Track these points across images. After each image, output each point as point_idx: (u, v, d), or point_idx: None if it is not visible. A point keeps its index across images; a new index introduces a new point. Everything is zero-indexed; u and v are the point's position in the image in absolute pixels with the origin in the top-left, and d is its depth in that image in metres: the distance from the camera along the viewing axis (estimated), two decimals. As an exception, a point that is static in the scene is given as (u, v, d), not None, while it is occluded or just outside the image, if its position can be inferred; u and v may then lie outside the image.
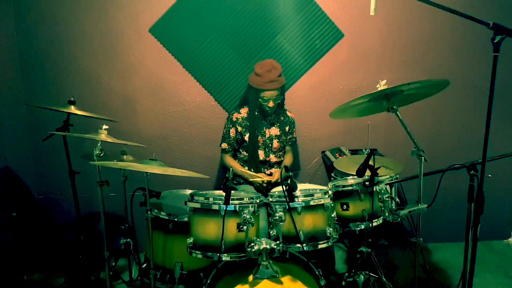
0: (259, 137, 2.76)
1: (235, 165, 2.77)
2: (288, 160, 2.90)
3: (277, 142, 2.79)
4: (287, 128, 2.83)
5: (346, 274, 2.37)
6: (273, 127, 2.79)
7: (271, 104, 2.64)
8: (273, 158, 2.81)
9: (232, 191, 1.70)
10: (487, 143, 1.60)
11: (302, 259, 2.01)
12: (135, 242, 2.53)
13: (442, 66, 3.14)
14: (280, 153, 2.86)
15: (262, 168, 2.79)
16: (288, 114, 2.86)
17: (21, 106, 2.95)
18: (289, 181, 1.72)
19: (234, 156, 2.87)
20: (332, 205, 1.95)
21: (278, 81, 2.59)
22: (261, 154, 2.78)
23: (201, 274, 2.11)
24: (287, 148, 2.90)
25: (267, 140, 2.77)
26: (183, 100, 3.08)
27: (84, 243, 2.58)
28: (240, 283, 1.75)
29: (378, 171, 1.87)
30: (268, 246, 1.69)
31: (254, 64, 3.02)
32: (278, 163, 2.86)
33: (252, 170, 2.74)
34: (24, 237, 2.94)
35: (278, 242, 1.74)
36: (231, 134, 2.79)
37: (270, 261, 1.72)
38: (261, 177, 2.63)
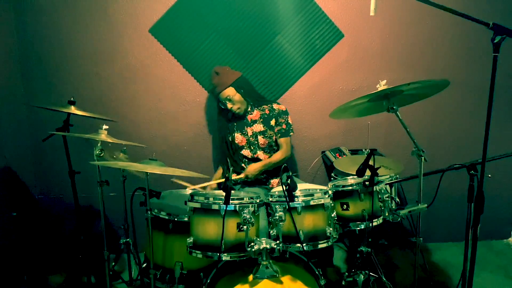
0: (242, 137, 2.75)
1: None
2: (277, 156, 2.73)
3: (263, 138, 2.75)
4: (272, 122, 2.75)
5: (346, 273, 2.37)
6: (256, 124, 2.76)
7: (229, 105, 2.67)
8: (261, 154, 2.77)
9: (232, 191, 1.70)
10: (487, 143, 1.60)
11: (302, 259, 2.01)
12: (135, 242, 2.53)
13: (442, 66, 3.14)
14: (271, 148, 2.80)
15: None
16: (275, 106, 2.77)
17: (21, 106, 2.95)
18: (289, 181, 1.72)
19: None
20: (332, 205, 1.95)
21: (220, 84, 2.64)
22: (247, 153, 2.77)
23: (201, 274, 2.11)
24: (279, 140, 2.75)
25: (251, 138, 2.76)
26: (183, 100, 3.08)
27: (84, 243, 2.58)
28: (240, 283, 1.75)
29: (378, 171, 1.87)
30: (268, 246, 1.69)
31: (254, 64, 3.05)
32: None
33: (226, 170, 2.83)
34: (24, 237, 2.94)
35: (278, 242, 1.74)
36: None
37: (270, 261, 1.72)
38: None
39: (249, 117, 2.77)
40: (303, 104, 3.14)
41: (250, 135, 2.75)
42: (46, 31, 2.88)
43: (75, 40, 2.91)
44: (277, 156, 2.74)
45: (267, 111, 2.78)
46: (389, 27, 3.06)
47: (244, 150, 2.77)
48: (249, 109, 2.77)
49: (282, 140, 2.75)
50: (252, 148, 2.76)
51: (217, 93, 2.67)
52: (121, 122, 2.98)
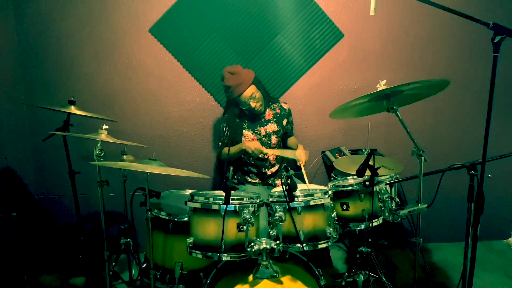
0: (253, 136, 2.72)
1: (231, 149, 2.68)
2: (296, 141, 2.97)
3: (276, 137, 2.76)
4: (284, 122, 2.80)
5: (346, 274, 2.37)
6: (270, 124, 2.76)
7: (253, 104, 2.59)
8: (271, 155, 2.76)
9: (232, 191, 1.70)
10: (487, 143, 1.60)
11: (302, 259, 2.01)
12: (135, 242, 2.54)
13: (442, 66, 3.14)
14: (279, 148, 2.84)
15: (263, 168, 2.77)
16: (283, 105, 2.82)
17: (21, 106, 2.95)
18: (289, 181, 1.72)
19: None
20: (332, 205, 1.95)
21: (242, 83, 2.51)
22: None
23: (201, 274, 2.11)
24: (291, 138, 2.96)
25: (263, 138, 2.74)
26: (183, 100, 3.08)
27: (84, 243, 2.58)
28: (240, 283, 1.75)
29: (378, 171, 1.87)
30: (268, 246, 1.69)
31: (254, 64, 3.05)
32: (278, 160, 2.85)
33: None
34: (24, 237, 2.95)
35: (278, 242, 1.74)
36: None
37: (270, 261, 1.72)
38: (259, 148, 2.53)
39: (263, 117, 2.77)
40: (303, 104, 3.14)
41: (263, 135, 2.74)
42: (46, 31, 2.88)
43: (75, 40, 2.91)
44: (297, 142, 2.96)
45: (278, 110, 2.79)
46: (389, 27, 3.06)
47: None
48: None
49: (292, 137, 2.98)
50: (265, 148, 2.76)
51: (239, 94, 2.54)
52: (121, 122, 2.97)
